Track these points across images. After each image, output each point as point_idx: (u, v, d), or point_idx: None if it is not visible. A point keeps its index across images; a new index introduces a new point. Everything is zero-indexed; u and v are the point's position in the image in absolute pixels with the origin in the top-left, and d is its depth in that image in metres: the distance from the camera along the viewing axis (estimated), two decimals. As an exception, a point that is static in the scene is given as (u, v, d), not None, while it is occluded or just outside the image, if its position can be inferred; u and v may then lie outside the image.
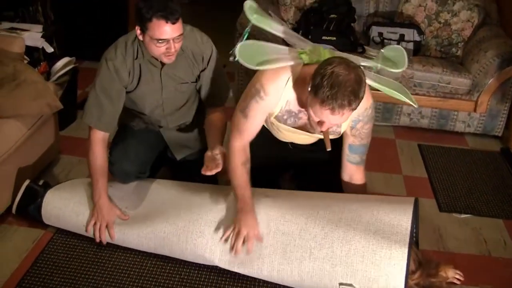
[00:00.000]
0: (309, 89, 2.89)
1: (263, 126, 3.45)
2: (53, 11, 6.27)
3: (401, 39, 5.46)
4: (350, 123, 3.27)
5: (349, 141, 3.35)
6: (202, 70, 3.56)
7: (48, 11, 6.21)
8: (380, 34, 5.52)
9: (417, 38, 5.48)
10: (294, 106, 3.24)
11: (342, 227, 3.07)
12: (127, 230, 3.39)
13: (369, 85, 3.26)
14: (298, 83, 3.15)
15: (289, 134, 3.49)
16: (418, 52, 5.51)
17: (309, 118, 3.04)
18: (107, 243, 3.47)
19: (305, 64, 3.20)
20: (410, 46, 5.44)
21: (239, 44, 3.25)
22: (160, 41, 3.15)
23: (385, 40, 5.48)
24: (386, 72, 3.51)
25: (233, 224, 3.20)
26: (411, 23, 5.60)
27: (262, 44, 3.35)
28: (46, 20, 6.11)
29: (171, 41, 3.17)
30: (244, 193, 3.26)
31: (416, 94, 5.17)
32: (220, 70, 3.65)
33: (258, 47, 3.32)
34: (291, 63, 3.21)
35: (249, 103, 3.26)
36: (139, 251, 3.44)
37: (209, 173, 3.21)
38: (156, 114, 3.66)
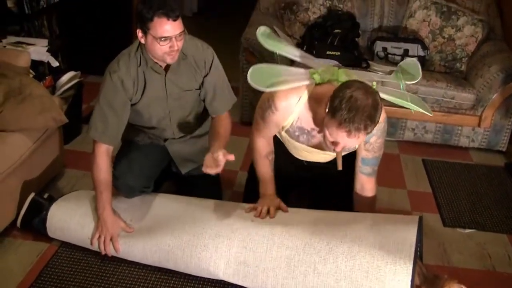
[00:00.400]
0: (327, 110, 2.92)
1: (280, 141, 3.60)
2: (59, 25, 6.31)
3: (405, 54, 5.47)
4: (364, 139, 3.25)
5: (362, 154, 3.41)
6: (205, 76, 3.57)
7: (54, 25, 6.24)
8: (385, 49, 5.54)
9: (421, 53, 5.49)
10: (307, 124, 3.30)
11: (346, 243, 3.07)
12: (132, 242, 3.39)
13: (385, 99, 3.34)
14: (311, 102, 3.22)
15: (304, 153, 3.55)
16: (422, 67, 5.44)
17: (324, 137, 3.06)
18: (112, 256, 3.46)
19: (317, 84, 3.25)
20: (415, 61, 5.46)
21: (252, 67, 3.29)
22: (163, 39, 3.17)
23: (389, 55, 5.49)
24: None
25: (258, 203, 3.47)
26: (415, 38, 5.61)
27: (274, 67, 3.41)
28: (52, 34, 6.15)
29: (174, 38, 3.20)
30: (266, 179, 3.56)
31: (421, 109, 5.19)
32: (223, 78, 3.67)
33: (269, 69, 3.39)
34: (302, 83, 3.27)
35: (265, 113, 3.36)
36: (144, 265, 3.44)
37: (209, 172, 3.19)
38: (163, 124, 3.67)
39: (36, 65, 4.68)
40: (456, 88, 5.10)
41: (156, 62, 3.40)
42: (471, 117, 5.19)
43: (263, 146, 3.57)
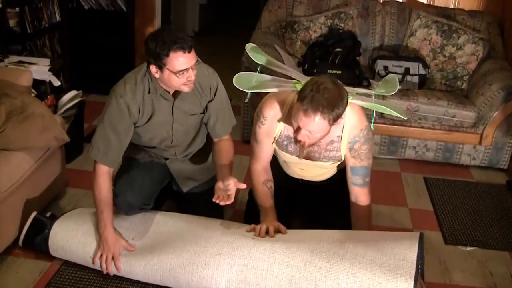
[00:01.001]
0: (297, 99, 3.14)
1: (276, 165, 3.73)
2: (60, 45, 6.33)
3: (406, 72, 5.48)
4: (348, 145, 3.42)
5: (350, 163, 3.50)
6: (210, 101, 3.59)
7: (55, 45, 6.26)
8: (385, 67, 5.55)
9: (422, 71, 5.51)
10: (292, 132, 3.36)
11: (348, 260, 3.07)
12: (134, 261, 3.38)
13: (365, 107, 3.51)
14: (293, 110, 3.27)
15: (296, 169, 3.66)
16: (423, 85, 5.53)
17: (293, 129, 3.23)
18: (114, 275, 3.46)
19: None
20: (415, 79, 5.47)
21: (237, 74, 3.74)
22: (180, 72, 3.21)
23: (390, 73, 5.49)
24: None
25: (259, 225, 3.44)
26: (416, 57, 5.63)
27: (259, 75, 3.79)
28: (53, 53, 6.17)
29: (190, 69, 3.23)
30: (266, 207, 3.56)
31: (422, 127, 5.20)
32: (226, 102, 3.70)
33: (254, 76, 3.77)
34: (284, 89, 3.52)
35: (255, 129, 3.56)
36: (146, 283, 3.43)
37: (222, 203, 3.28)
38: (165, 145, 3.68)
39: (38, 84, 4.70)
40: (457, 106, 5.11)
41: (165, 90, 3.42)
42: (472, 135, 5.20)
43: (261, 174, 3.66)
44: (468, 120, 5.11)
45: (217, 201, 3.28)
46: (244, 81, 3.77)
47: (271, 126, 3.48)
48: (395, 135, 5.26)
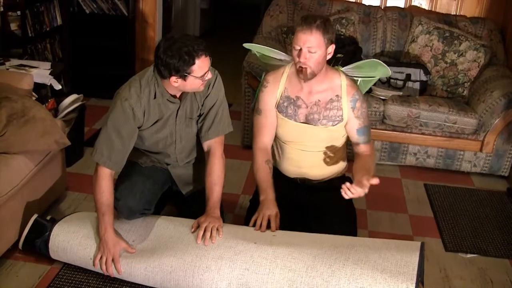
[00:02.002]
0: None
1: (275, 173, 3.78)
2: (61, 48, 6.34)
3: (407, 78, 5.48)
4: (350, 104, 3.62)
5: (355, 126, 3.66)
6: (206, 97, 3.58)
7: (56, 48, 6.27)
8: (387, 73, 5.55)
9: (424, 77, 5.50)
10: (292, 92, 3.67)
11: (349, 266, 3.07)
12: (134, 263, 3.37)
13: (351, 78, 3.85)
14: (293, 74, 3.66)
15: (295, 155, 3.77)
16: (424, 91, 5.53)
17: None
18: (114, 278, 3.45)
19: None
20: (417, 85, 5.46)
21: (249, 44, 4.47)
22: (204, 75, 3.27)
23: (392, 80, 5.50)
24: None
25: (257, 211, 3.56)
26: (418, 63, 5.63)
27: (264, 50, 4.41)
28: (54, 57, 6.18)
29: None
30: (266, 186, 3.65)
31: (422, 133, 5.20)
32: (222, 103, 3.66)
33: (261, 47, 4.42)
34: (283, 58, 4.28)
35: (258, 98, 3.81)
36: (146, 286, 3.42)
37: (206, 244, 3.34)
38: (168, 150, 3.68)
39: (38, 87, 4.70)
40: (458, 113, 5.11)
41: (171, 94, 3.43)
42: (473, 142, 5.20)
43: (263, 153, 3.76)
44: (469, 127, 5.11)
45: (199, 241, 3.35)
46: (251, 46, 4.44)
47: (273, 88, 3.71)
48: (395, 141, 5.26)
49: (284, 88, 3.68)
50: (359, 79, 4.11)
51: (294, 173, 3.84)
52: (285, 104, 3.68)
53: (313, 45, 3.39)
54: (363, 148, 3.71)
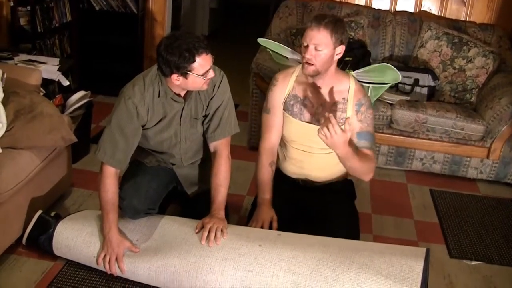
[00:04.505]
0: None
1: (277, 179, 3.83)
2: (70, 44, 6.35)
3: (415, 83, 5.47)
4: (355, 107, 3.59)
5: (356, 129, 3.59)
6: (212, 98, 3.57)
7: (65, 44, 6.28)
8: (395, 78, 5.54)
9: (432, 83, 5.49)
10: (300, 92, 3.68)
11: (353, 270, 3.06)
12: (138, 262, 3.37)
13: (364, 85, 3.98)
14: (302, 74, 3.63)
15: (299, 155, 3.75)
16: (432, 97, 5.51)
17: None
18: (117, 276, 3.45)
19: None
20: (425, 91, 5.45)
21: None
22: (206, 72, 3.25)
23: (400, 84, 5.48)
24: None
25: (253, 216, 3.70)
26: (426, 68, 5.61)
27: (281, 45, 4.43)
28: (63, 53, 6.19)
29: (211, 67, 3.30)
30: (264, 189, 3.74)
31: (429, 139, 5.19)
32: (228, 103, 3.65)
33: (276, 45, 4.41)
34: (296, 57, 4.31)
35: (267, 97, 3.80)
36: (149, 286, 3.42)
37: (211, 245, 3.32)
38: (173, 150, 3.67)
39: (46, 83, 4.70)
40: (466, 119, 5.09)
41: (175, 93, 3.43)
42: (480, 149, 5.18)
43: (269, 154, 3.79)
44: (476, 134, 5.09)
45: (203, 242, 3.34)
46: (265, 42, 4.39)
47: (282, 86, 3.72)
48: (402, 146, 5.25)
49: (293, 87, 3.69)
50: (369, 86, 4.07)
51: (296, 174, 3.83)
52: (292, 102, 3.69)
53: (319, 43, 3.40)
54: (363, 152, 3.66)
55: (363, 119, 3.59)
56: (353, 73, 3.72)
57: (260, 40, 4.26)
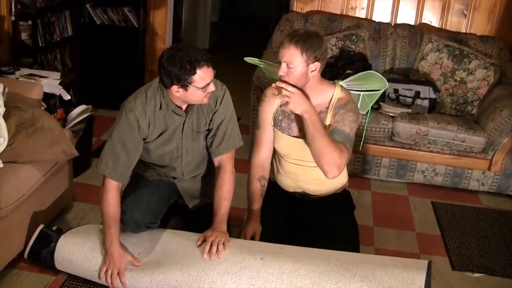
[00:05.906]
0: None
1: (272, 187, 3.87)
2: (71, 59, 6.36)
3: (416, 96, 5.47)
4: (334, 111, 3.58)
5: (331, 128, 3.56)
6: (214, 113, 3.57)
7: (66, 59, 6.29)
8: (396, 90, 5.54)
9: (433, 95, 5.49)
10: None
11: (355, 283, 3.05)
12: (139, 276, 3.35)
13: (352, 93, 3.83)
14: None
15: (292, 169, 3.76)
16: (433, 109, 5.51)
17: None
18: (119, 291, 3.44)
19: None
20: (426, 103, 5.46)
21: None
22: (206, 85, 3.25)
23: (401, 97, 5.49)
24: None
25: (241, 230, 3.75)
26: (427, 81, 5.62)
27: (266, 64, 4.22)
28: (64, 67, 6.20)
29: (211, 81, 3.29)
30: (254, 205, 3.77)
31: (431, 151, 5.19)
32: (232, 118, 3.65)
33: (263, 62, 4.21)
34: None
35: (258, 111, 3.82)
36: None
37: (213, 258, 3.31)
38: (174, 164, 3.67)
39: (48, 97, 4.71)
40: (467, 131, 5.09)
41: (177, 106, 3.43)
42: (481, 161, 5.18)
43: (259, 168, 3.80)
44: (477, 146, 5.09)
45: (205, 256, 3.32)
46: (252, 61, 4.19)
47: (270, 102, 3.72)
48: (403, 159, 5.25)
49: (281, 102, 3.65)
50: (361, 93, 4.00)
51: (292, 187, 3.83)
52: (280, 117, 3.70)
53: (290, 61, 3.42)
54: None
55: (340, 119, 3.55)
56: (342, 82, 3.68)
57: (247, 59, 4.24)
